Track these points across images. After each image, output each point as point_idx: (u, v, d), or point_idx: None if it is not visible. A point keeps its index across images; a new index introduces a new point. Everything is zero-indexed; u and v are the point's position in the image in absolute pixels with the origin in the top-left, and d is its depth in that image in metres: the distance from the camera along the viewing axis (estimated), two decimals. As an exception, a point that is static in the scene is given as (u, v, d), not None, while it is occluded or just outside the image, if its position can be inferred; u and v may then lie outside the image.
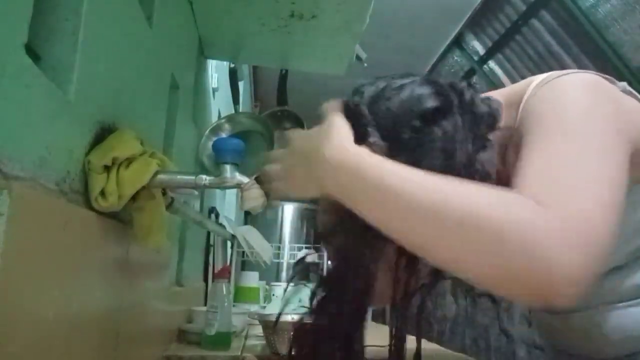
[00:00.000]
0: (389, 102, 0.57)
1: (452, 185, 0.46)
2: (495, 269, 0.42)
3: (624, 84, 0.60)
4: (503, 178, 0.61)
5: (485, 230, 0.42)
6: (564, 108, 0.52)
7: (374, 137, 0.55)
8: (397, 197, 0.46)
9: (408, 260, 0.57)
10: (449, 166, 0.53)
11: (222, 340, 1.12)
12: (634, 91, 0.61)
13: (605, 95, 0.55)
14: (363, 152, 0.51)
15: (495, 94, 0.67)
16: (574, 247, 0.41)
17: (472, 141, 0.56)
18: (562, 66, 2.68)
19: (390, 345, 0.61)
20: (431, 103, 0.56)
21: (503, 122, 0.63)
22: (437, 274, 0.60)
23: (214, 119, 1.63)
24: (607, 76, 0.58)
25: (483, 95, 0.62)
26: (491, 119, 0.58)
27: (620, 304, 0.62)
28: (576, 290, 0.41)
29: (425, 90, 0.57)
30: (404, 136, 0.55)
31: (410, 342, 0.61)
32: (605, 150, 0.49)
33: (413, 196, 0.45)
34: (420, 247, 0.47)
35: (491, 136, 0.58)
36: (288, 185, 0.60)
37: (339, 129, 0.54)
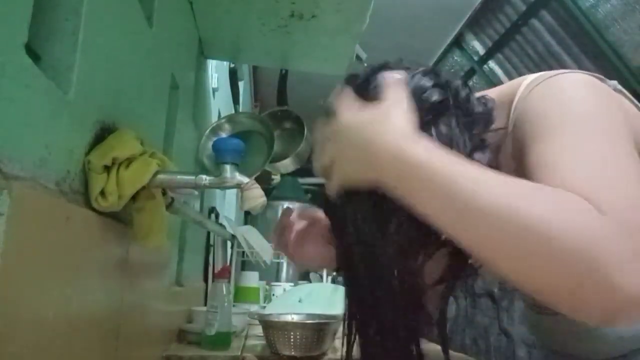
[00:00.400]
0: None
1: (519, 189, 0.43)
2: (558, 283, 0.41)
3: (615, 82, 0.60)
4: None
5: (548, 240, 0.40)
6: (575, 104, 0.52)
7: None
8: (464, 200, 0.43)
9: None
10: None
11: (222, 340, 1.12)
12: (623, 89, 0.61)
13: (606, 92, 0.55)
14: (429, 145, 0.47)
15: (490, 92, 0.67)
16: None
17: (467, 141, 0.54)
18: (562, 66, 2.68)
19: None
20: (435, 97, 0.54)
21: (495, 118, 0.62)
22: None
23: (214, 119, 1.63)
24: (597, 75, 0.58)
25: (478, 94, 0.61)
26: (486, 118, 0.57)
27: None
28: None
29: (427, 82, 0.55)
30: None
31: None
32: (628, 147, 0.49)
33: (481, 201, 0.42)
34: (483, 253, 0.44)
35: (486, 136, 0.57)
36: (337, 170, 0.52)
37: (403, 113, 0.49)
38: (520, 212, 0.41)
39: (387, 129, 0.48)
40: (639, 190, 0.44)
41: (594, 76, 0.57)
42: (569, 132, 0.50)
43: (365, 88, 0.55)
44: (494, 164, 0.60)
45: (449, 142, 0.52)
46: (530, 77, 0.60)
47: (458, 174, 0.44)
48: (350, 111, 0.52)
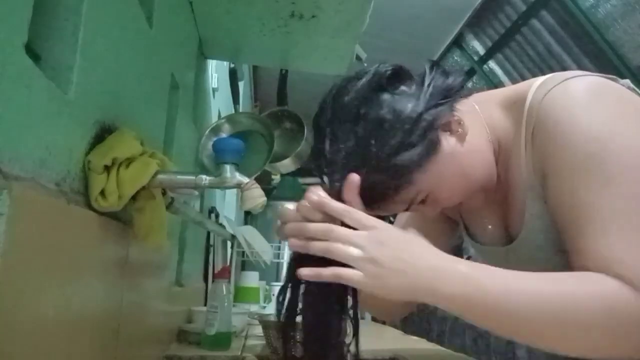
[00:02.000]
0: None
1: (558, 294, 0.51)
2: None
3: (627, 81, 0.60)
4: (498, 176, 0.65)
5: (595, 335, 0.49)
6: (603, 134, 0.55)
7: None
8: (511, 316, 0.51)
9: None
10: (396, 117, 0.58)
11: (222, 340, 1.12)
12: (636, 88, 0.61)
13: (622, 99, 0.58)
14: (473, 268, 0.54)
15: (495, 93, 0.68)
16: None
17: (428, 100, 0.60)
18: (562, 66, 2.68)
19: None
20: (390, 71, 0.61)
21: (502, 121, 0.64)
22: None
23: (214, 119, 1.63)
24: (611, 76, 0.59)
25: (479, 93, 0.65)
26: (454, 84, 0.63)
27: None
28: None
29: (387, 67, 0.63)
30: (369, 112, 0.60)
31: (413, 343, 0.61)
32: None
33: (527, 313, 0.51)
34: (535, 344, 0.53)
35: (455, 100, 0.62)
36: (369, 281, 0.54)
37: (428, 245, 0.56)
38: (568, 321, 0.49)
39: (430, 257, 0.55)
40: None
41: (608, 77, 0.58)
42: (596, 178, 0.54)
43: None
44: (495, 157, 0.66)
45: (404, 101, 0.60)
46: (540, 79, 0.61)
47: (506, 290, 0.52)
48: (388, 232, 0.57)
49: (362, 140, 0.58)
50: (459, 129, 0.62)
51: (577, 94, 0.57)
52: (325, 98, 0.63)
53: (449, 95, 0.61)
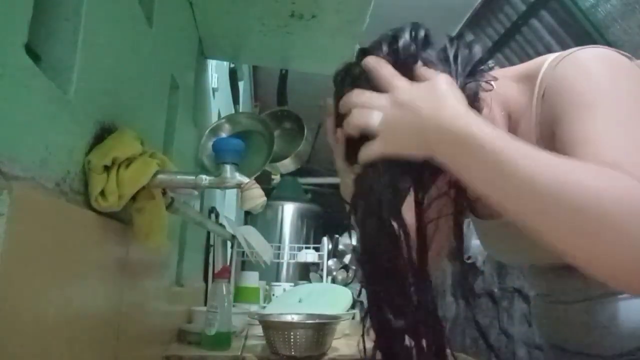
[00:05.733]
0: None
1: (570, 166, 0.46)
2: (612, 258, 0.43)
3: None
4: None
5: (603, 216, 0.43)
6: (605, 80, 0.54)
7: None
8: (517, 177, 0.46)
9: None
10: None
11: (222, 340, 1.12)
12: None
13: (631, 67, 0.58)
14: (482, 123, 0.50)
15: (508, 69, 0.68)
16: None
17: (462, 69, 0.58)
18: (562, 66, 2.67)
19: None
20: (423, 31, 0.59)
21: (515, 96, 0.64)
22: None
23: (214, 119, 1.63)
24: (624, 53, 0.60)
25: (495, 71, 0.64)
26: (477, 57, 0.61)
27: (623, 296, 0.62)
28: None
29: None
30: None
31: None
32: None
33: (532, 177, 0.45)
34: (536, 227, 0.47)
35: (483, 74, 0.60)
36: (387, 140, 0.54)
37: (455, 93, 0.53)
38: (574, 189, 0.44)
39: (443, 107, 0.51)
40: None
41: (620, 53, 0.59)
42: (602, 111, 0.52)
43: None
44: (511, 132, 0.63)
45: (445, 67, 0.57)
46: (552, 55, 0.61)
47: (516, 152, 0.47)
48: (403, 85, 0.55)
49: None
50: (480, 105, 0.61)
51: (588, 56, 0.57)
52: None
53: (474, 70, 0.60)
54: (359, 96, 0.56)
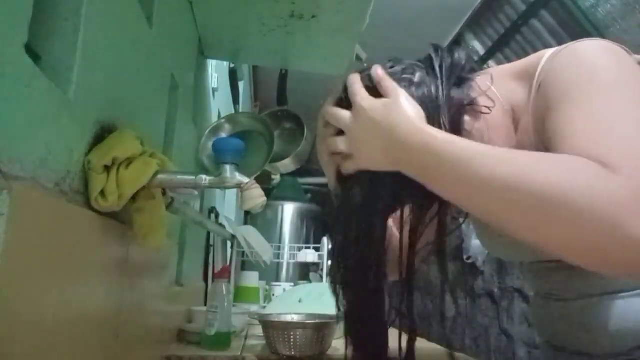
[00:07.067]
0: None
1: (526, 159, 0.48)
2: (568, 238, 0.44)
3: (639, 57, 0.61)
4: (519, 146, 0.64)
5: (556, 200, 0.43)
6: (596, 70, 0.54)
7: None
8: (476, 177, 0.48)
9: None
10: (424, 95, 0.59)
11: (222, 340, 1.12)
12: None
13: (627, 59, 0.57)
14: (441, 134, 0.53)
15: (507, 66, 0.68)
16: None
17: (447, 79, 0.61)
18: (562, 66, 2.66)
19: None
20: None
21: (515, 91, 0.64)
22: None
23: (214, 119, 1.63)
24: (622, 46, 0.60)
25: (497, 67, 0.67)
26: (468, 62, 0.63)
27: (622, 294, 0.62)
28: None
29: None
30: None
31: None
32: None
33: (491, 175, 0.47)
34: (503, 224, 0.48)
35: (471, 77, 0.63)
36: (358, 157, 0.59)
37: (412, 108, 0.56)
38: (530, 182, 0.45)
39: (398, 124, 0.55)
40: None
41: (619, 46, 0.59)
42: (585, 101, 0.52)
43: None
44: (515, 131, 0.64)
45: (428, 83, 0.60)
46: (551, 50, 0.61)
47: (471, 153, 0.49)
48: (367, 102, 0.58)
49: None
50: (477, 108, 0.62)
51: (584, 47, 0.57)
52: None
53: (462, 75, 0.62)
54: (330, 115, 0.62)
